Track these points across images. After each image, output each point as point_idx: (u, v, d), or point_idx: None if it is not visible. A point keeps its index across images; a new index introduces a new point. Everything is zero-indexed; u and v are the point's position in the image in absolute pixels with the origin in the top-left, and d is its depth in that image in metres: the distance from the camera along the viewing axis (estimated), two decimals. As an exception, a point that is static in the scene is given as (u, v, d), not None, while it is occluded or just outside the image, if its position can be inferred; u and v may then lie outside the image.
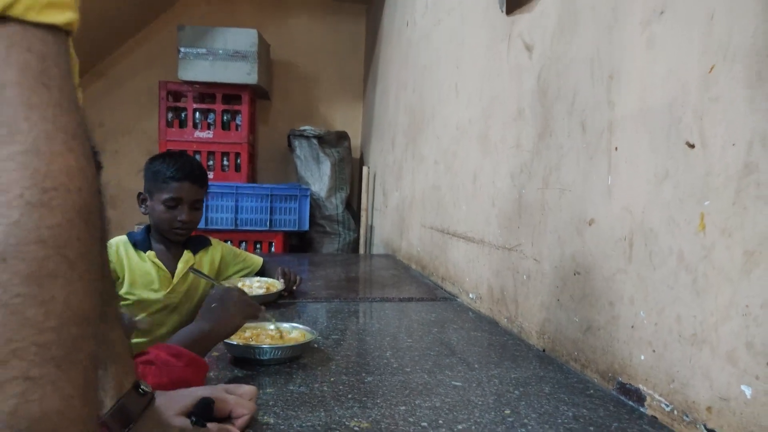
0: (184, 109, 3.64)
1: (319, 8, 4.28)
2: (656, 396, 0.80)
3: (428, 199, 2.14)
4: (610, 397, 0.88)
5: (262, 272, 1.76)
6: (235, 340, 0.99)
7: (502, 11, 1.39)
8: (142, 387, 0.60)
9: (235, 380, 0.90)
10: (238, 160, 3.67)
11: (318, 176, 3.71)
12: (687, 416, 0.74)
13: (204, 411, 0.67)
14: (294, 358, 1.00)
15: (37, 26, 0.32)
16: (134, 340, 1.35)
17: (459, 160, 1.76)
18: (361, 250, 3.63)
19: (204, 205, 1.62)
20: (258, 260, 1.80)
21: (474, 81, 1.64)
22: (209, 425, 0.66)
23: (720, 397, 0.69)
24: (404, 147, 2.66)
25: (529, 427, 0.75)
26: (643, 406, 0.83)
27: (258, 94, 3.90)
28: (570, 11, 1.08)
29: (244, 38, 3.47)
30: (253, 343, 1.00)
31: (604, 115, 0.95)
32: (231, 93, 3.62)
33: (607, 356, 0.93)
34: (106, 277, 0.41)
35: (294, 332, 1.07)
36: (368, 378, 0.93)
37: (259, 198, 3.42)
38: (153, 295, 1.47)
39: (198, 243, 1.63)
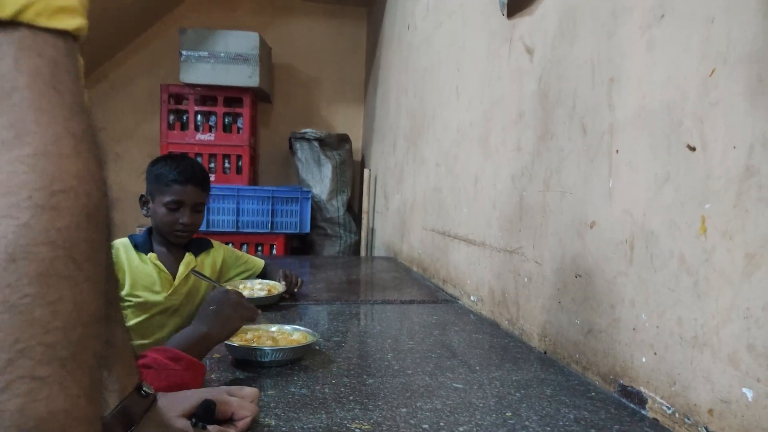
0: (186, 111, 3.65)
1: (321, 12, 4.29)
2: (657, 398, 0.80)
3: (429, 202, 2.14)
4: (612, 400, 0.88)
5: (263, 274, 1.76)
6: (236, 342, 0.99)
7: (503, 14, 1.39)
8: (144, 389, 0.60)
9: (236, 382, 0.90)
10: (240, 163, 3.68)
11: (319, 179, 3.72)
12: (688, 419, 0.74)
13: (206, 413, 0.67)
14: (295, 360, 1.01)
15: (48, 31, 0.33)
16: (135, 342, 1.35)
17: (460, 163, 1.76)
18: (363, 253, 3.63)
19: (206, 207, 1.62)
20: (259, 262, 1.80)
21: (475, 84, 1.64)
22: (210, 428, 0.66)
23: (721, 400, 0.69)
24: (405, 150, 2.66)
25: (531, 430, 0.75)
26: (644, 408, 0.83)
27: (259, 96, 3.91)
28: (570, 15, 1.09)
29: (245, 41, 3.49)
30: (254, 345, 1.00)
31: (605, 118, 0.96)
32: (232, 96, 3.63)
33: (608, 359, 0.93)
34: (111, 279, 0.41)
35: (295, 334, 1.07)
36: (369, 380, 0.93)
37: (260, 200, 3.42)
38: (154, 297, 1.47)
39: (199, 245, 1.64)
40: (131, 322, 1.44)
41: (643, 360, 0.84)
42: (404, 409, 0.80)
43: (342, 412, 0.78)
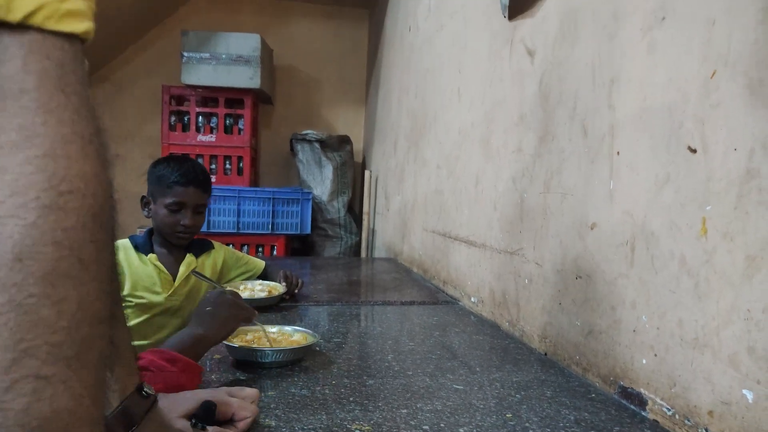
0: (187, 112, 3.66)
1: (322, 13, 4.30)
2: (658, 400, 0.80)
3: (430, 203, 2.14)
4: (612, 401, 0.88)
5: (264, 275, 1.76)
6: (236, 343, 0.99)
7: (504, 16, 1.40)
8: (145, 389, 0.60)
9: (237, 383, 0.91)
10: (241, 164, 3.68)
11: (320, 180, 3.72)
12: (689, 420, 0.74)
13: (206, 414, 0.67)
14: (296, 361, 1.01)
15: (56, 34, 0.33)
16: (136, 342, 1.35)
17: (461, 164, 1.76)
18: (363, 254, 3.63)
19: (207, 209, 1.62)
20: (260, 263, 1.81)
21: (476, 85, 1.64)
22: (210, 429, 0.66)
23: (722, 401, 0.69)
24: (406, 151, 2.67)
25: (531, 431, 0.75)
26: (644, 410, 0.83)
27: (261, 98, 3.92)
28: (571, 16, 1.09)
29: (247, 43, 3.49)
30: (254, 346, 1.00)
31: (606, 120, 0.96)
32: (234, 97, 3.64)
33: (608, 360, 0.93)
34: (115, 279, 0.41)
35: (296, 335, 1.08)
36: (370, 381, 0.93)
37: (261, 201, 3.43)
38: (154, 298, 1.47)
39: (200, 246, 1.64)
40: (132, 323, 1.44)
41: (644, 361, 0.84)
42: (404, 410, 0.80)
43: (342, 413, 0.78)
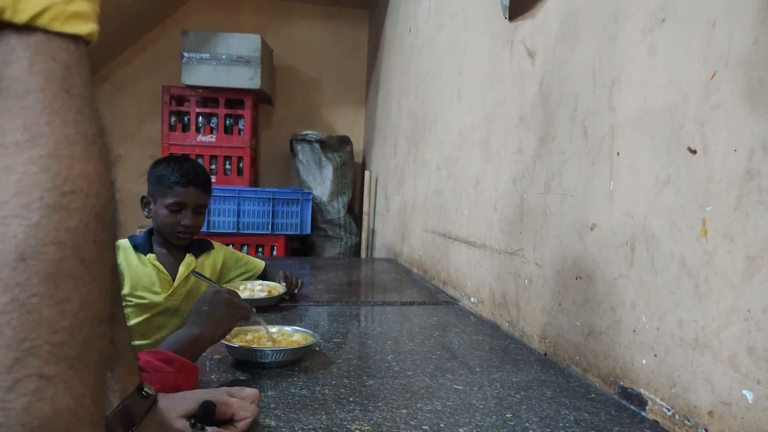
0: (187, 113, 3.66)
1: (322, 14, 4.30)
2: (658, 400, 0.80)
3: (430, 204, 2.14)
4: (612, 401, 0.88)
5: (263, 276, 1.76)
6: (236, 343, 0.99)
7: (505, 17, 1.40)
8: (145, 389, 0.60)
9: (236, 383, 0.91)
10: (241, 164, 3.68)
11: (320, 180, 3.72)
12: (688, 420, 0.74)
13: (205, 414, 0.67)
14: (295, 361, 1.01)
15: (62, 36, 0.33)
16: (136, 342, 1.35)
17: (461, 165, 1.76)
18: (363, 254, 3.63)
19: (207, 209, 1.62)
20: (260, 264, 1.81)
21: (476, 87, 1.64)
22: (209, 429, 0.66)
23: (721, 402, 0.69)
24: (406, 152, 2.67)
25: (531, 431, 0.75)
26: (644, 410, 0.83)
27: (261, 98, 3.92)
28: (572, 18, 1.09)
29: (247, 43, 3.49)
30: (254, 346, 1.00)
31: (606, 121, 0.96)
32: (234, 97, 3.64)
33: (608, 360, 0.93)
34: (116, 279, 0.41)
35: (295, 335, 1.08)
36: (370, 381, 0.93)
37: (261, 202, 3.43)
38: (154, 298, 1.48)
39: (200, 246, 1.64)
40: (131, 322, 1.44)
41: (644, 362, 0.84)
42: (404, 410, 0.80)
43: (342, 413, 0.78)
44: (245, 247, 3.41)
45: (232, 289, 1.15)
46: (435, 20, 2.21)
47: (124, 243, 1.52)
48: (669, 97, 0.80)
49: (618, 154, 0.92)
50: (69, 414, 0.30)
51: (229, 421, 0.71)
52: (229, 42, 3.49)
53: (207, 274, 1.59)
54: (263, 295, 1.47)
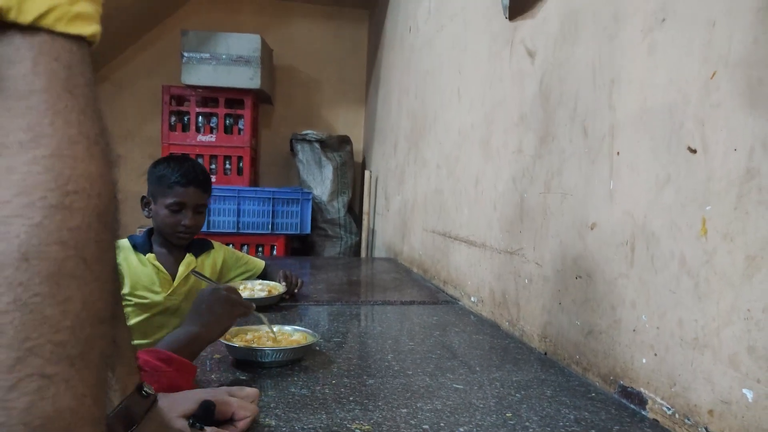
0: (187, 113, 3.66)
1: (322, 14, 4.30)
2: (658, 399, 0.81)
3: (430, 203, 2.14)
4: (612, 401, 0.88)
5: (263, 275, 1.76)
6: (236, 342, 0.99)
7: (505, 17, 1.40)
8: (145, 389, 0.60)
9: (236, 383, 0.91)
10: (241, 164, 3.68)
11: (320, 180, 3.72)
12: (688, 419, 0.74)
13: (205, 414, 0.67)
14: (295, 360, 1.01)
15: (65, 37, 0.34)
16: (136, 342, 1.35)
17: (461, 165, 1.76)
18: (363, 254, 3.63)
19: (207, 209, 1.62)
20: (260, 263, 1.81)
21: (476, 86, 1.64)
22: (208, 429, 0.66)
23: (722, 401, 0.69)
24: (406, 151, 2.67)
25: (531, 430, 0.75)
26: (644, 409, 0.83)
27: (261, 98, 3.92)
28: (572, 17, 1.09)
29: (247, 43, 3.49)
30: (254, 345, 1.00)
31: (606, 120, 0.96)
32: (234, 97, 3.64)
33: (608, 360, 0.93)
34: (116, 279, 0.42)
35: (295, 335, 1.08)
36: (370, 381, 0.93)
37: (261, 201, 3.43)
38: (154, 297, 1.48)
39: (200, 246, 1.64)
40: (131, 322, 1.44)
41: (644, 361, 0.84)
42: (404, 410, 0.80)
43: (342, 413, 0.78)
44: (245, 247, 3.41)
45: (230, 285, 1.15)
46: (435, 20, 2.21)
47: (123, 243, 1.52)
48: (669, 97, 0.80)
49: (618, 153, 0.92)
50: (70, 413, 0.30)
51: (230, 420, 0.71)
52: (229, 42, 3.49)
53: (207, 273, 1.59)
54: (263, 294, 1.47)
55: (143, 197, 1.55)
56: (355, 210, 4.00)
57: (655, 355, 0.81)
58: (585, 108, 1.03)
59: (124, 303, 1.43)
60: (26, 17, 0.32)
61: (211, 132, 3.66)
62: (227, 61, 3.48)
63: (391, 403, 0.83)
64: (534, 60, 1.25)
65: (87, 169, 0.33)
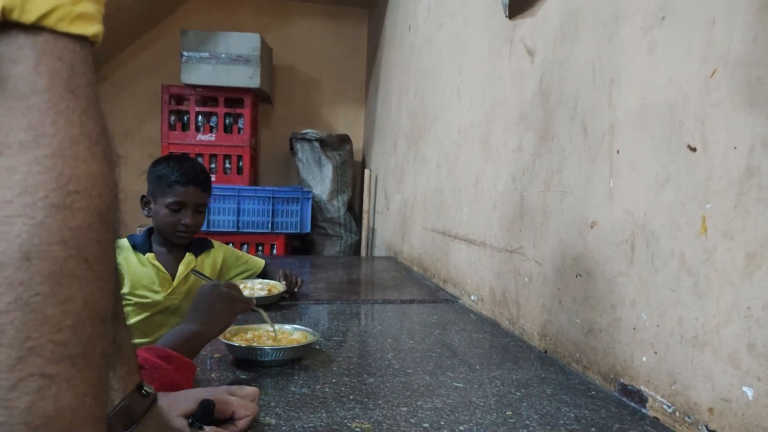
0: (187, 112, 3.66)
1: (322, 13, 4.30)
2: (658, 397, 0.81)
3: (430, 202, 2.14)
4: (612, 399, 0.88)
5: (263, 274, 1.76)
6: (236, 341, 0.99)
7: (505, 15, 1.40)
8: (145, 388, 0.60)
9: (236, 382, 0.91)
10: (240, 163, 3.68)
11: (320, 179, 3.72)
12: (689, 417, 0.74)
13: (205, 413, 0.67)
14: (295, 359, 1.01)
15: (68, 36, 0.34)
16: (136, 340, 1.35)
17: (461, 164, 1.76)
18: (363, 253, 3.63)
19: (207, 208, 1.62)
20: (260, 262, 1.81)
21: (476, 85, 1.64)
22: (207, 428, 0.66)
23: (722, 399, 0.69)
24: (406, 150, 2.67)
25: (531, 429, 0.76)
26: (644, 407, 0.83)
27: (260, 97, 3.92)
28: (572, 16, 1.09)
29: (246, 42, 3.49)
30: (254, 344, 1.00)
31: (606, 119, 0.96)
32: (233, 96, 3.63)
33: (608, 358, 0.93)
34: (117, 278, 0.42)
35: (295, 334, 1.08)
36: (370, 379, 0.93)
37: (260, 200, 3.43)
38: (154, 297, 1.48)
39: (200, 245, 1.64)
40: (131, 321, 1.44)
41: (644, 359, 0.84)
42: (405, 408, 0.80)
43: (342, 411, 0.78)
44: (245, 246, 3.41)
45: (230, 282, 1.15)
46: (435, 18, 2.20)
47: (123, 242, 1.52)
48: (669, 95, 0.80)
49: (618, 152, 0.92)
50: (71, 413, 0.30)
51: (230, 419, 0.71)
52: (228, 41, 3.49)
53: (207, 272, 1.59)
54: (263, 293, 1.47)
55: (143, 196, 1.55)
56: (355, 209, 4.00)
57: (655, 353, 0.81)
58: (585, 107, 1.03)
59: (123, 302, 1.44)
60: (29, 17, 0.32)
61: (211, 131, 3.66)
62: (227, 60, 3.48)
63: (392, 401, 0.83)
64: (534, 59, 1.25)
65: (89, 169, 0.33)
